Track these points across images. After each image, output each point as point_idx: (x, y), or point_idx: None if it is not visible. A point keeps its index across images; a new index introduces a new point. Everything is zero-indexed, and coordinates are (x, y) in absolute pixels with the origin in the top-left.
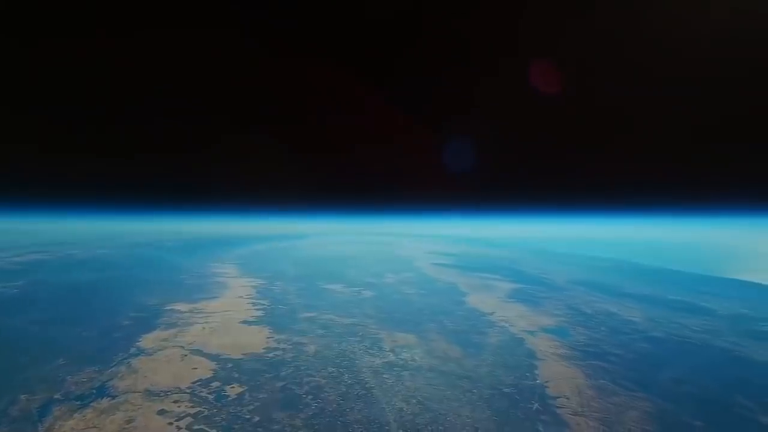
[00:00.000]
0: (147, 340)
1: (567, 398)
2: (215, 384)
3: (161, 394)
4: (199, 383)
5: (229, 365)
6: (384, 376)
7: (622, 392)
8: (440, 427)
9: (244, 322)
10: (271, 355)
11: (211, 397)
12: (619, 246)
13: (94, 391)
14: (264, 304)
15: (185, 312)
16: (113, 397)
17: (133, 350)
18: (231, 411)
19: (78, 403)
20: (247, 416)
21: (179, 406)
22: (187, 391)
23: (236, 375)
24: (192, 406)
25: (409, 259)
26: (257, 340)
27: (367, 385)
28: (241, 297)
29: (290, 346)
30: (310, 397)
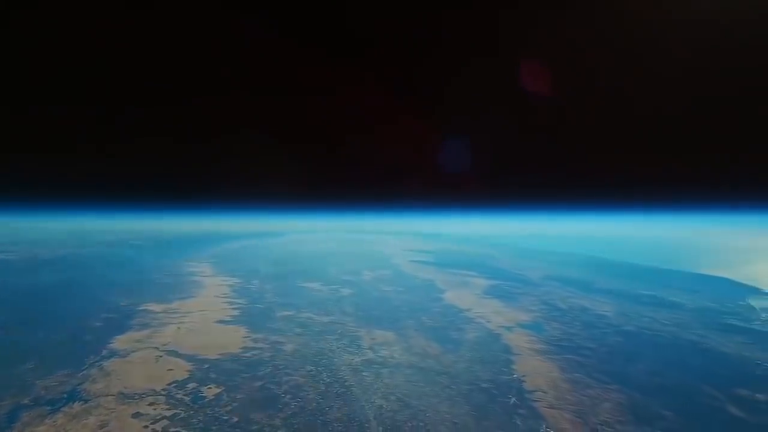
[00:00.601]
0: (120, 342)
1: (543, 392)
2: (192, 385)
3: (136, 397)
4: (175, 385)
5: (206, 366)
6: (363, 373)
7: (597, 385)
8: (420, 423)
9: (221, 321)
10: (248, 354)
11: (187, 398)
12: (591, 242)
13: (65, 395)
14: (240, 303)
15: (159, 312)
16: (85, 401)
17: (105, 352)
18: (208, 412)
19: (48, 408)
20: (225, 417)
21: (155, 409)
22: (163, 393)
23: (213, 375)
24: (168, 408)
25: (387, 257)
26: (234, 339)
27: (346, 383)
28: (216, 296)
29: (268, 346)
30: (288, 396)
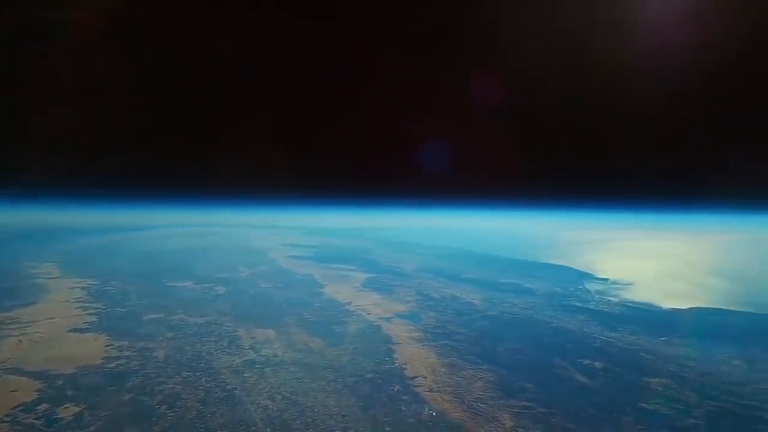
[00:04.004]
0: None
1: (424, 377)
2: (43, 407)
3: None
4: (21, 408)
5: (60, 382)
6: (245, 374)
7: (469, 366)
8: (309, 420)
9: (75, 330)
10: (112, 365)
11: (39, 422)
12: (457, 236)
13: None
14: (98, 308)
15: None
16: None
17: None
18: None
19: None
20: None
21: None
22: (6, 419)
23: (70, 393)
24: None
25: (263, 252)
26: (93, 349)
27: (228, 387)
28: (67, 301)
29: (135, 353)
30: (164, 406)
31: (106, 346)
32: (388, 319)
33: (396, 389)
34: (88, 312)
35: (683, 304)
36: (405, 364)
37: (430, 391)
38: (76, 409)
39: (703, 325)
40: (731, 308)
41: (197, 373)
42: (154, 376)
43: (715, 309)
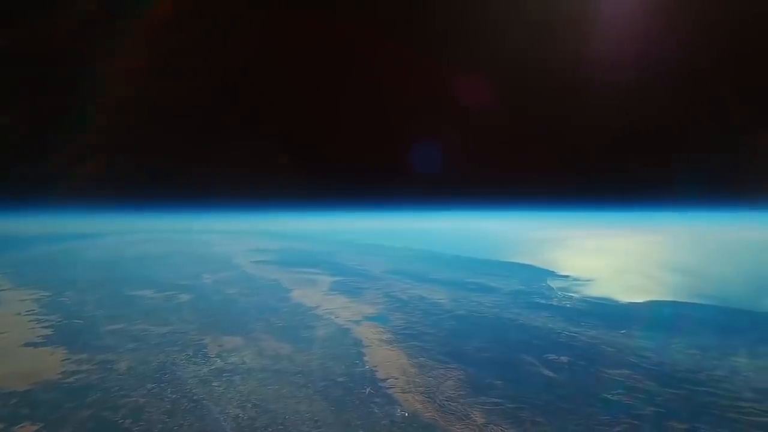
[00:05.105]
0: None
1: (395, 378)
2: None
3: None
4: None
5: (14, 400)
6: (213, 384)
7: (439, 366)
8: (280, 427)
9: (28, 344)
10: (71, 379)
11: None
12: (422, 237)
13: None
14: (53, 320)
15: None
16: None
17: None
18: None
19: None
20: None
21: None
22: None
23: (26, 411)
24: None
25: (227, 258)
26: (49, 364)
27: (195, 397)
28: (19, 314)
29: (95, 366)
30: (128, 421)
31: (64, 360)
32: (357, 322)
33: (368, 392)
34: (42, 325)
35: (640, 298)
36: (376, 366)
37: (402, 392)
38: (34, 428)
39: (659, 317)
40: (684, 300)
41: (162, 385)
42: (116, 389)
43: (670, 302)
